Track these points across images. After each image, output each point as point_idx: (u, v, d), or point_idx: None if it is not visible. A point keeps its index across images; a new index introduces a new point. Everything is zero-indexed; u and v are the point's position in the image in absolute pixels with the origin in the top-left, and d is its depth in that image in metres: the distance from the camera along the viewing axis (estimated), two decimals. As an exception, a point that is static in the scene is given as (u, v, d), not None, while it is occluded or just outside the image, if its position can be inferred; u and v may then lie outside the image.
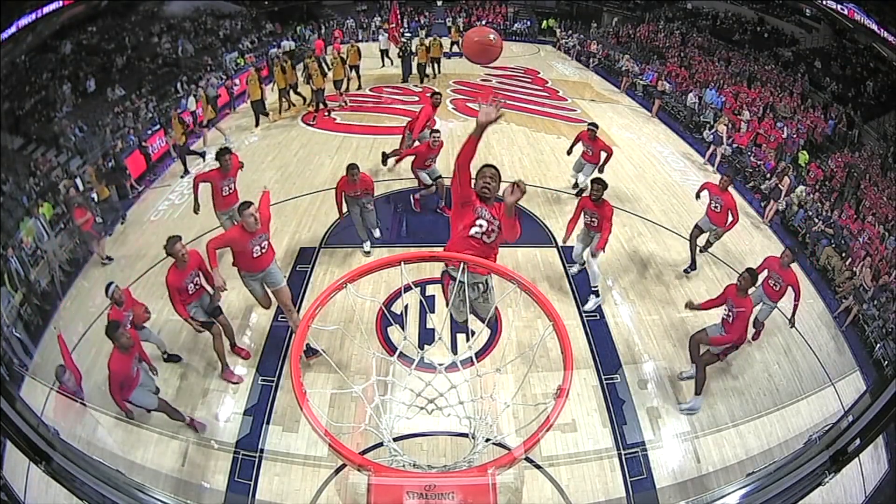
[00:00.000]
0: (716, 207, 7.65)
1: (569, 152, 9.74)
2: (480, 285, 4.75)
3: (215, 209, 7.65)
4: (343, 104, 14.32)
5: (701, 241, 8.22)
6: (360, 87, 15.70)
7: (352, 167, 7.67)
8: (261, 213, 5.88)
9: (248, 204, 5.79)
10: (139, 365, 5.41)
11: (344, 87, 14.57)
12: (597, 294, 7.28)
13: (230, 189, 7.60)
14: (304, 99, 14.19)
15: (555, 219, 9.11)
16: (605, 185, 7.12)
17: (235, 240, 5.83)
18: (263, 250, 5.98)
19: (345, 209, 7.86)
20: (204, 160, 11.08)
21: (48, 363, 6.48)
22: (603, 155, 9.24)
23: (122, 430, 5.53)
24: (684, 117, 14.26)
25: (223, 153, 7.44)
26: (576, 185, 10.06)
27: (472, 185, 4.48)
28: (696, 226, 8.04)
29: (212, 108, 12.67)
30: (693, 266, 8.10)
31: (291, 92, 14.00)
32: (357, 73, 15.57)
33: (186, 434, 5.46)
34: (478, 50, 4.81)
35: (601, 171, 9.28)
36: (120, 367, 5.13)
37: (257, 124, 13.12)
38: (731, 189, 7.81)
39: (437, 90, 9.84)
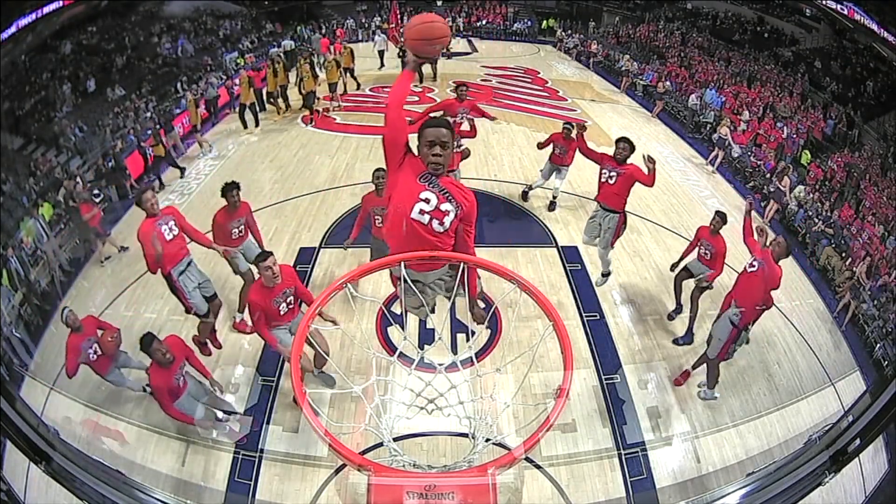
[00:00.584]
0: (705, 254, 6.71)
1: (540, 146, 9.18)
2: (443, 281, 3.66)
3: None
4: (338, 106, 14.14)
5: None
6: (358, 88, 15.60)
7: (379, 171, 6.36)
8: (281, 266, 5.17)
9: (265, 255, 5.03)
10: (183, 374, 5.17)
11: (340, 90, 14.39)
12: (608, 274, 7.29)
13: (240, 232, 6.52)
14: (289, 105, 14.00)
15: (554, 219, 9.11)
16: (632, 146, 6.60)
17: (256, 303, 5.07)
18: (291, 306, 5.31)
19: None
20: (182, 176, 10.86)
21: (48, 363, 6.49)
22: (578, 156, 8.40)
23: (122, 430, 5.54)
24: (685, 118, 14.25)
25: (230, 189, 6.28)
26: (528, 191, 9.57)
27: (418, 151, 3.34)
28: (685, 268, 7.05)
29: (200, 113, 12.34)
30: (679, 309, 7.23)
31: (279, 96, 13.78)
32: (352, 75, 15.35)
33: (186, 434, 5.46)
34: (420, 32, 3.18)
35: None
36: (160, 382, 4.94)
37: (257, 124, 13.00)
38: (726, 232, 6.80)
39: (463, 82, 9.26)
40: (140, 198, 5.53)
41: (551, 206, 9.49)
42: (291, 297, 5.32)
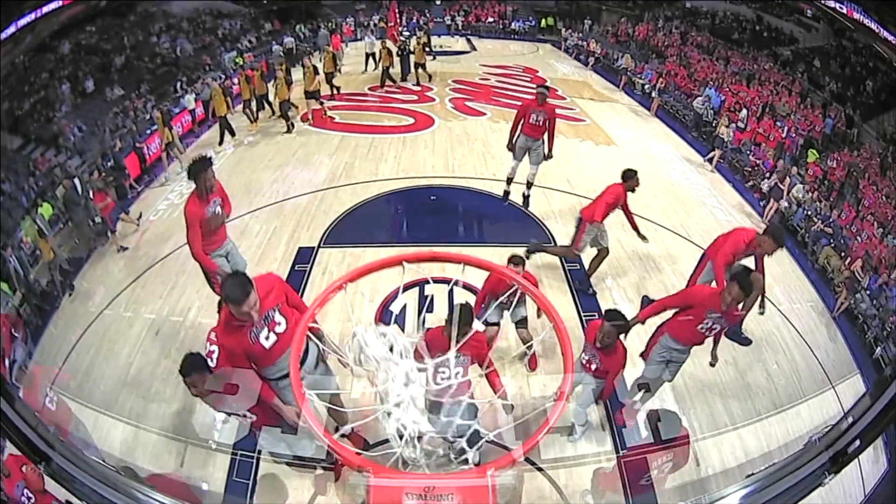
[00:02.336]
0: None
1: (510, 147, 8.33)
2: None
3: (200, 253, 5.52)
4: (313, 118, 13.23)
5: None
6: (336, 94, 14.84)
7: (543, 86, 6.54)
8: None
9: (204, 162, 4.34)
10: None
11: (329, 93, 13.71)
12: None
13: (216, 213, 5.47)
14: (273, 111, 13.30)
15: (554, 219, 9.10)
16: (622, 327, 4.78)
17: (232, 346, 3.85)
18: (279, 331, 3.93)
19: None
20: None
21: (48, 363, 6.48)
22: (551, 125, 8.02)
23: (121, 430, 5.53)
24: (684, 117, 14.25)
25: (202, 167, 5.22)
26: (508, 187, 8.81)
27: None
28: None
29: (169, 131, 11.13)
30: None
31: (259, 102, 13.15)
32: (329, 81, 14.64)
33: (185, 434, 5.46)
34: None
35: (549, 155, 8.18)
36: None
37: (221, 142, 12.14)
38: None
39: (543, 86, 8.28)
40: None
41: (525, 202, 8.89)
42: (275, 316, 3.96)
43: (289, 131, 12.56)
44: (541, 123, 8.03)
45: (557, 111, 13.52)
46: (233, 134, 12.34)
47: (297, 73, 13.93)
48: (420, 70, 16.00)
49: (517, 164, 8.56)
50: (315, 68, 13.14)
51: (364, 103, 14.63)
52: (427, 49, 16.56)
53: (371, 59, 17.19)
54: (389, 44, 16.27)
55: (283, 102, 12.51)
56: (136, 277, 7.71)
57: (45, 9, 7.51)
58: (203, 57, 16.23)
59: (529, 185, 8.73)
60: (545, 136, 8.16)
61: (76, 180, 9.38)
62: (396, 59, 15.89)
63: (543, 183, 10.10)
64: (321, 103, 13.28)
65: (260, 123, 13.08)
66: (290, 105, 12.69)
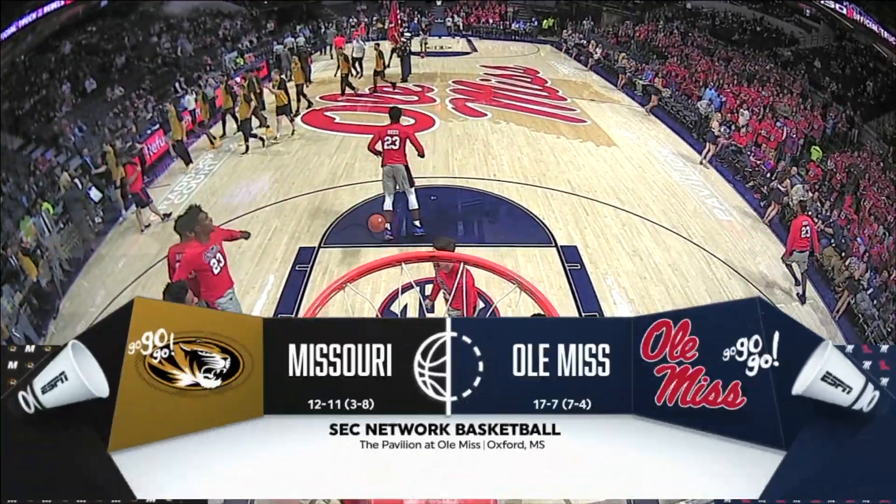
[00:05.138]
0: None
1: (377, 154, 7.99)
2: None
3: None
4: (279, 136, 12.26)
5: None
6: (310, 106, 14.10)
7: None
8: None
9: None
10: None
11: (296, 109, 13.12)
12: None
13: (220, 264, 5.23)
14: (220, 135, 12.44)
15: (554, 218, 9.10)
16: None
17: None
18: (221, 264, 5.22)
19: None
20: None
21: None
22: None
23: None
24: (684, 117, 14.24)
25: (193, 216, 5.09)
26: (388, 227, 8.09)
27: None
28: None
29: (123, 170, 9.17)
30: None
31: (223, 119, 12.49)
32: (301, 93, 13.82)
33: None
34: None
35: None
36: None
37: (187, 163, 11.16)
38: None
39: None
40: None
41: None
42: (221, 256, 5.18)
43: (246, 151, 11.62)
44: (398, 146, 7.85)
45: (558, 112, 13.61)
46: (188, 161, 11.21)
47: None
48: (378, 77, 15.59)
49: (390, 194, 8.24)
50: (282, 82, 12.23)
51: (364, 104, 14.63)
52: (391, 55, 16.17)
53: (358, 64, 16.79)
54: (347, 50, 16.09)
55: (245, 121, 11.50)
56: (136, 278, 7.71)
57: (46, 9, 7.54)
58: (204, 57, 16.26)
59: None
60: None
61: (76, 180, 9.39)
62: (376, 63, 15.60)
63: (544, 183, 10.12)
64: (292, 119, 12.64)
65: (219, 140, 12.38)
66: (252, 124, 11.72)
